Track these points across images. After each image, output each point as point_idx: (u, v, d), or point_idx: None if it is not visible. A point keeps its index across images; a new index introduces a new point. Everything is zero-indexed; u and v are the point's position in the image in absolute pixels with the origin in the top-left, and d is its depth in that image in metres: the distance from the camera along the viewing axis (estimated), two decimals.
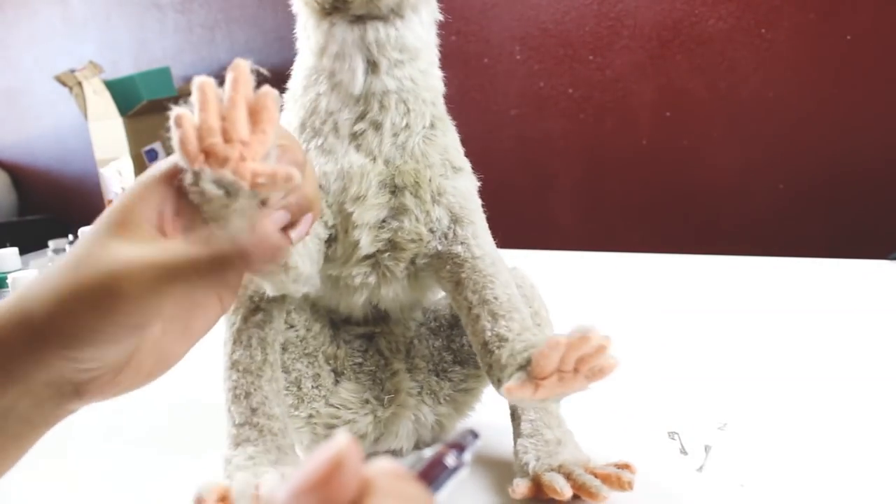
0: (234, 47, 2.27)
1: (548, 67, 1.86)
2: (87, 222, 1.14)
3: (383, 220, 0.47)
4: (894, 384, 0.61)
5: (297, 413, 0.52)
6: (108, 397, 0.35)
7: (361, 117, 0.46)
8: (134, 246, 0.32)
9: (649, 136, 1.79)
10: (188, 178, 0.32)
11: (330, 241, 0.48)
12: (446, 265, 0.48)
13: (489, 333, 0.44)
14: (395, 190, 0.47)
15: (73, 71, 2.24)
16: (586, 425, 0.58)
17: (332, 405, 0.53)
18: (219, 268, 0.31)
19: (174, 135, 0.31)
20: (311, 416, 0.53)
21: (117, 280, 0.31)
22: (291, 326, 0.53)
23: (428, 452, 0.22)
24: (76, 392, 0.33)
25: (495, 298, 0.45)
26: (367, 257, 0.48)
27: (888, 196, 1.59)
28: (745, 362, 0.68)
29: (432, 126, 0.48)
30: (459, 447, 0.22)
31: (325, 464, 0.19)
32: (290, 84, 0.50)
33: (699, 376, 0.66)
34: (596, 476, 0.46)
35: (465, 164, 0.51)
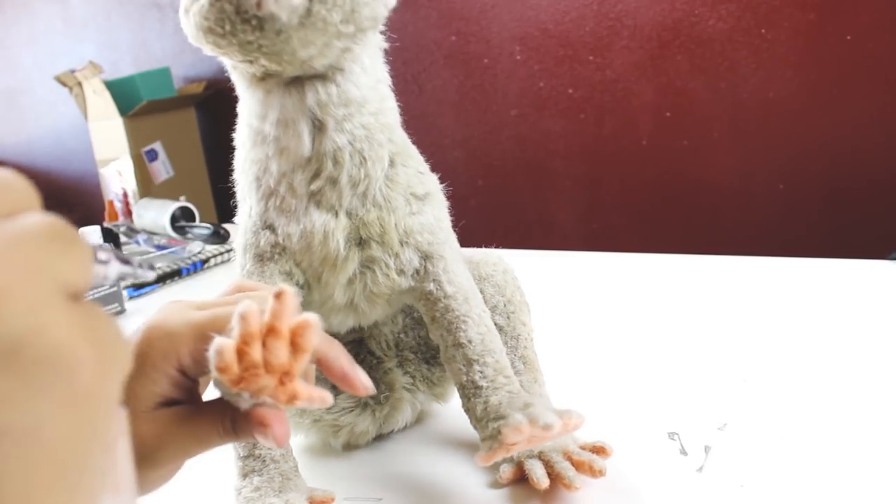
0: None
1: (548, 67, 1.86)
2: (87, 222, 1.14)
3: (361, 268, 0.47)
4: (894, 384, 0.61)
5: (301, 420, 0.55)
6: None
7: (316, 176, 0.44)
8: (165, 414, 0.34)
9: (649, 136, 1.79)
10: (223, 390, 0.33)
11: (302, 287, 0.49)
12: (420, 301, 0.49)
13: (464, 378, 0.46)
14: (361, 242, 0.46)
15: (73, 71, 2.24)
16: (587, 425, 0.58)
17: (332, 412, 0.54)
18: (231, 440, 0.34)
19: (212, 359, 0.31)
20: (315, 420, 0.55)
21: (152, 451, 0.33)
22: None
23: None
24: None
25: (469, 342, 0.46)
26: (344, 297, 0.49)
27: (888, 196, 1.59)
28: (745, 362, 0.68)
29: (392, 164, 0.46)
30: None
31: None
32: (236, 142, 0.48)
33: (699, 376, 0.66)
34: (572, 462, 0.47)
35: (430, 185, 0.49)
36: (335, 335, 0.55)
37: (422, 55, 1.96)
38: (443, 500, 0.50)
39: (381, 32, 0.46)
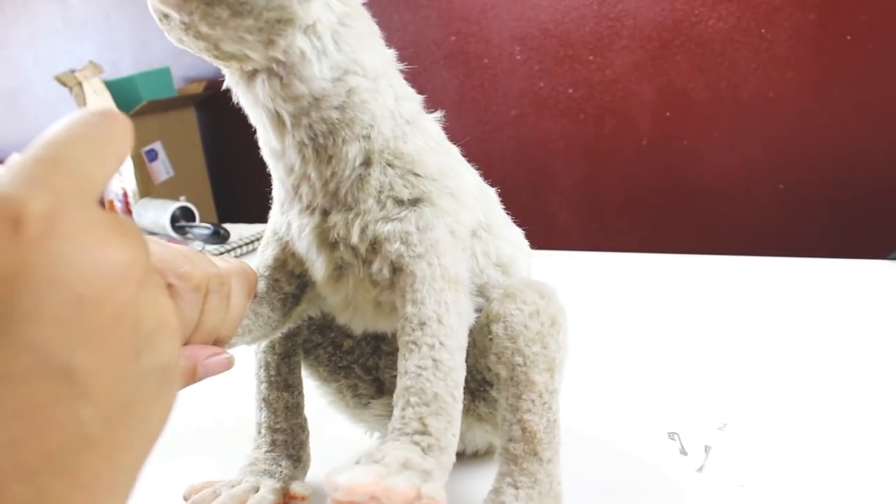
0: None
1: (548, 67, 1.86)
2: None
3: (335, 272, 0.45)
4: (894, 384, 0.61)
5: (345, 413, 0.55)
6: None
7: (291, 170, 0.44)
8: None
9: (649, 136, 1.79)
10: None
11: (298, 276, 0.48)
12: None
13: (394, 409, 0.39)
14: (332, 244, 0.44)
15: (73, 71, 2.24)
16: (587, 425, 0.58)
17: (376, 415, 0.52)
18: None
19: None
20: (356, 416, 0.54)
21: None
22: (318, 345, 0.53)
23: None
24: None
25: (404, 372, 0.40)
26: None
27: (888, 196, 1.59)
28: (745, 362, 0.68)
29: (366, 164, 0.43)
30: None
31: None
32: None
33: (699, 376, 0.66)
34: None
35: (427, 190, 0.44)
36: (388, 338, 0.52)
37: (422, 55, 1.96)
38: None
39: (372, 18, 0.46)
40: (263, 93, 0.41)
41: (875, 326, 0.73)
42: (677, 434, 0.54)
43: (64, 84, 2.24)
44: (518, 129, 1.91)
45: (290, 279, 0.47)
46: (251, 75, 0.41)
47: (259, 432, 0.51)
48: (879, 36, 1.54)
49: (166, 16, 0.39)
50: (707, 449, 0.53)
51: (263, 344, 0.51)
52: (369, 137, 0.43)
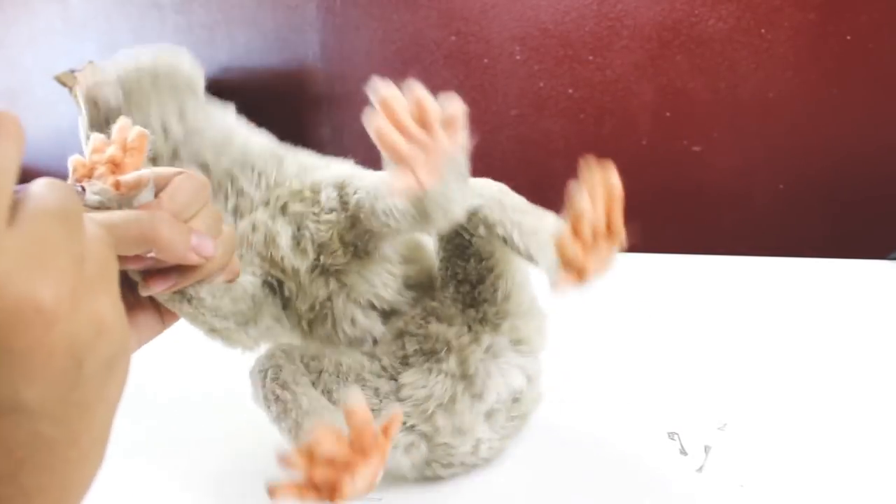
0: (234, 47, 2.27)
1: (548, 67, 1.86)
2: None
3: (297, 233, 0.50)
4: (894, 384, 0.61)
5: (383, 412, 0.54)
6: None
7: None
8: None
9: (649, 136, 1.79)
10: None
11: (284, 300, 0.51)
12: (364, 233, 0.50)
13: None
14: (283, 209, 0.50)
15: (73, 71, 2.24)
16: (587, 425, 0.58)
17: (402, 399, 0.52)
18: (133, 240, 0.35)
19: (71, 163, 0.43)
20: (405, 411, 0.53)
21: None
22: (321, 372, 0.52)
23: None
24: None
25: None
26: (315, 269, 0.51)
27: (888, 196, 1.59)
28: (744, 362, 0.68)
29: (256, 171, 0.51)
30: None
31: None
32: None
33: (699, 376, 0.66)
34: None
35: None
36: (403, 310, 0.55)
37: (422, 55, 1.95)
38: (444, 500, 0.50)
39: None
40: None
41: (875, 326, 0.73)
42: (677, 434, 0.54)
43: (64, 84, 2.24)
44: (518, 129, 1.91)
45: (254, 276, 0.51)
46: None
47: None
48: (879, 36, 1.54)
49: None
50: (707, 449, 0.52)
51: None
52: (220, 155, 0.53)
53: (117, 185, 0.40)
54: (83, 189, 0.41)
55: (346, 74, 2.14)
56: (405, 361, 0.53)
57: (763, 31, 1.63)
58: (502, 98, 1.92)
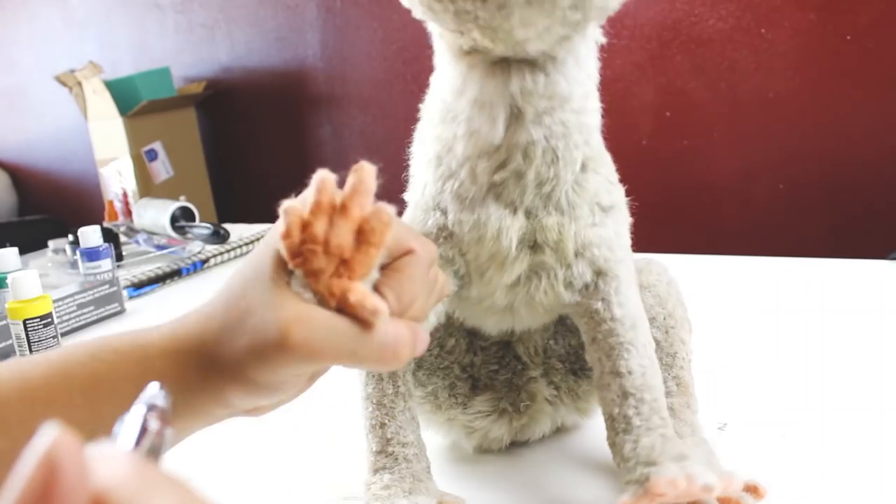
0: (234, 47, 2.27)
1: None
2: (87, 222, 1.14)
3: (518, 277, 0.44)
4: (894, 384, 0.61)
5: (434, 416, 0.53)
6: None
7: (502, 166, 0.41)
8: (302, 304, 0.31)
9: (649, 136, 1.79)
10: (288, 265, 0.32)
11: (462, 278, 0.46)
12: (584, 318, 0.45)
13: (616, 410, 0.42)
14: (534, 246, 0.43)
15: (73, 71, 2.24)
16: (587, 425, 0.58)
17: (467, 412, 0.52)
18: (366, 364, 0.32)
19: (281, 221, 0.30)
20: (449, 419, 0.53)
21: (287, 329, 0.30)
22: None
23: (126, 417, 0.21)
24: (243, 413, 0.36)
25: (629, 372, 0.42)
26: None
27: (888, 196, 1.59)
28: (745, 362, 0.68)
29: (583, 169, 0.43)
30: (155, 407, 0.21)
31: (33, 481, 0.14)
32: (423, 114, 0.47)
33: (699, 376, 0.66)
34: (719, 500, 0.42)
35: (616, 196, 0.45)
36: (483, 334, 0.53)
37: (422, 55, 1.95)
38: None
39: (602, 27, 0.45)
40: (520, 85, 0.39)
41: (875, 326, 0.73)
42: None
43: (64, 84, 2.24)
44: None
45: (455, 278, 0.45)
46: (499, 63, 0.39)
47: (382, 451, 0.46)
48: (879, 36, 1.54)
49: None
50: None
51: None
52: (589, 143, 0.43)
53: (343, 301, 0.30)
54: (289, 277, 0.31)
55: (346, 74, 2.13)
56: (491, 376, 0.53)
57: (763, 30, 1.63)
58: None
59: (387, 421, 0.46)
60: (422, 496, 0.44)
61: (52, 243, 1.36)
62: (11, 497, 0.14)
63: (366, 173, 0.31)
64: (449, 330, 0.52)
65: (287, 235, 0.30)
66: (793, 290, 0.85)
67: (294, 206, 0.30)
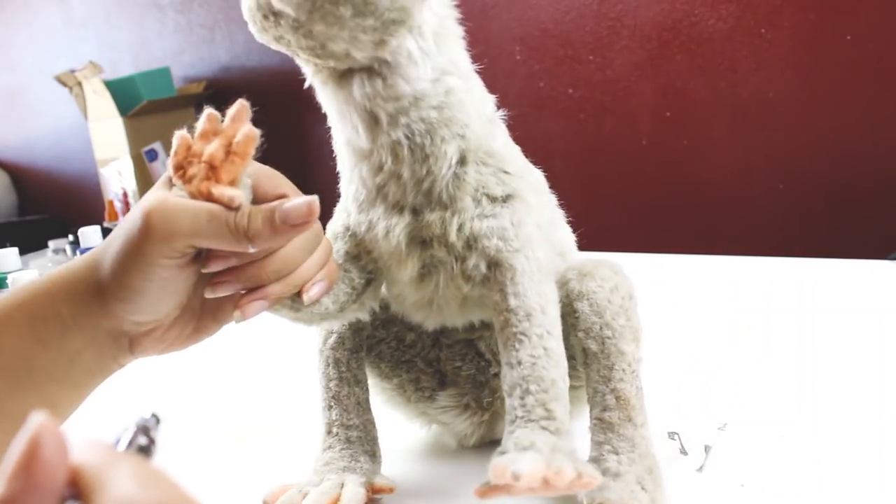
0: (234, 47, 2.27)
1: (548, 67, 1.86)
2: (87, 222, 1.14)
3: (421, 271, 0.45)
4: (894, 384, 0.61)
5: (406, 410, 0.55)
6: (156, 353, 0.42)
7: (380, 169, 0.43)
8: (162, 192, 0.39)
9: (649, 136, 1.79)
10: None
11: (371, 272, 0.47)
12: (492, 310, 0.45)
13: (508, 401, 0.42)
14: (423, 242, 0.44)
15: (73, 71, 2.24)
16: (587, 425, 0.58)
17: (433, 407, 0.54)
18: (233, 240, 0.37)
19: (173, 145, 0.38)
20: (421, 413, 0.55)
21: (147, 214, 0.37)
22: (381, 340, 0.54)
23: (119, 435, 0.23)
24: (130, 345, 0.41)
25: (518, 363, 0.42)
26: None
27: (888, 196, 1.59)
28: (745, 362, 0.68)
29: (462, 162, 0.44)
30: (145, 429, 0.23)
31: (22, 452, 0.18)
32: None
33: (699, 376, 0.66)
34: None
35: (515, 186, 0.45)
36: (446, 331, 0.54)
37: None
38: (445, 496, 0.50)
39: (458, 21, 0.46)
40: (361, 92, 0.41)
41: (875, 326, 0.73)
42: (677, 434, 0.54)
43: (64, 84, 2.24)
44: (518, 129, 1.91)
45: (360, 273, 0.47)
46: (344, 74, 0.41)
47: (329, 431, 0.50)
48: (879, 36, 1.54)
49: (275, 14, 0.39)
50: (707, 449, 0.52)
51: (332, 340, 0.51)
52: (465, 136, 0.44)
53: (208, 195, 0.37)
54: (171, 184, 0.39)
55: None
56: (455, 373, 0.54)
57: (763, 31, 1.63)
58: (502, 98, 1.92)
59: (332, 404, 0.51)
60: (352, 475, 0.48)
61: (52, 243, 1.36)
62: (7, 466, 0.18)
63: (242, 105, 0.39)
64: (408, 325, 0.53)
65: (175, 154, 0.38)
66: (793, 291, 0.85)
67: (184, 134, 0.38)
